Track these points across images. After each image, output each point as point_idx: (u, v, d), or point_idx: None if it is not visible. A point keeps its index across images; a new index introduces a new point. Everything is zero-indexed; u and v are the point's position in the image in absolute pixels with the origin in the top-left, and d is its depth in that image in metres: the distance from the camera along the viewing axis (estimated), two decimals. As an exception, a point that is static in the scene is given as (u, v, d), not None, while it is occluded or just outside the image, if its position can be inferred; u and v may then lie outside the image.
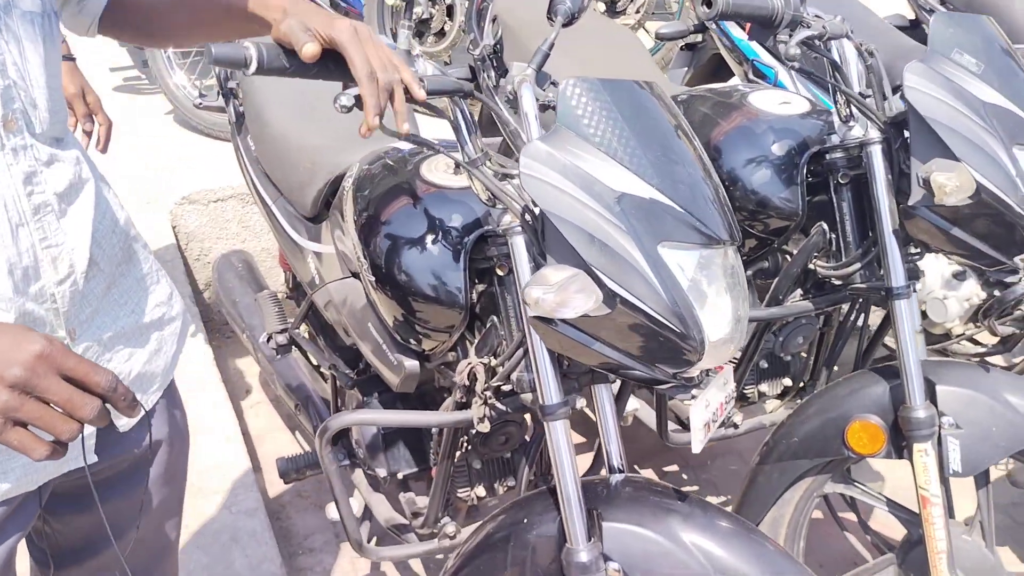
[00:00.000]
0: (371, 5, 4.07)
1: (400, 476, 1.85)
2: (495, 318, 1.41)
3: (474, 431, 1.62)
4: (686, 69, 3.22)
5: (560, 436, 1.27)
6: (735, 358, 1.85)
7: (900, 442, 1.61)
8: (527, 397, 1.35)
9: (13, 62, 0.88)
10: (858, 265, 1.64)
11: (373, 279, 1.48)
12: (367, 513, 1.90)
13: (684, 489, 1.36)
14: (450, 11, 4.09)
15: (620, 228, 1.12)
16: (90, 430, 0.99)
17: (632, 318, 1.15)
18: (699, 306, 1.15)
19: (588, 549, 1.26)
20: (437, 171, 1.51)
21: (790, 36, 1.50)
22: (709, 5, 1.46)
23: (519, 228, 1.24)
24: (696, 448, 1.32)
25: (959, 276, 2.25)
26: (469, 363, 1.41)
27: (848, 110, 1.58)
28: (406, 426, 1.55)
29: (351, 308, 1.75)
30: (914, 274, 1.60)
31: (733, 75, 2.95)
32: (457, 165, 1.25)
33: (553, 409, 1.26)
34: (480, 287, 1.45)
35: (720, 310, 1.18)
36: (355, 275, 1.77)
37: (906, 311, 1.56)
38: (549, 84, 1.30)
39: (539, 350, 1.25)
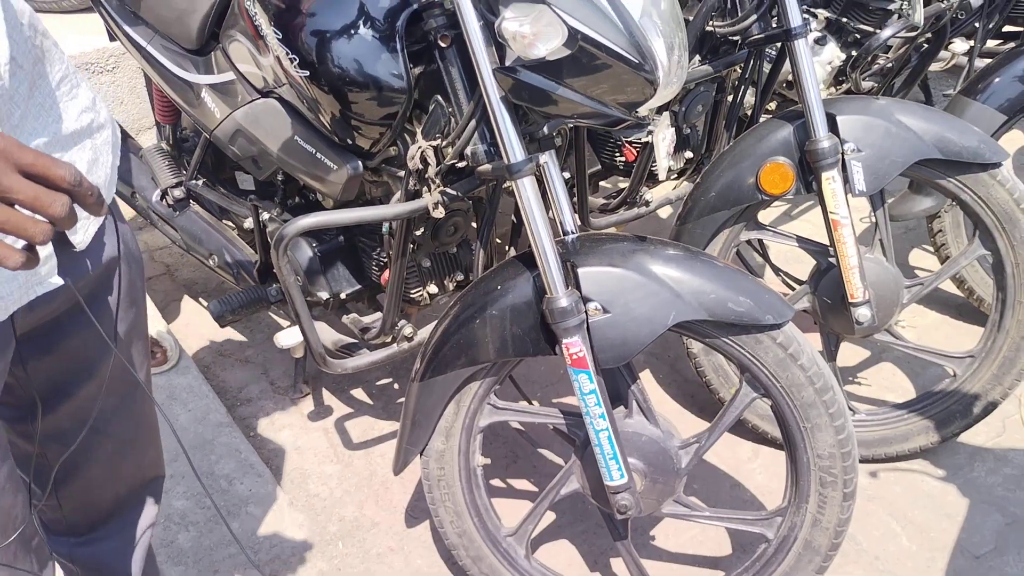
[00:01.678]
0: None
1: (343, 296, 1.87)
2: (439, 97, 1.42)
3: (421, 231, 1.66)
4: None
5: (529, 193, 1.32)
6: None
7: (808, 178, 1.77)
8: (485, 168, 1.38)
9: None
10: (755, 16, 1.75)
11: (306, 74, 1.44)
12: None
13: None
14: None
15: (573, -35, 1.15)
16: (48, 250, 0.94)
17: (593, 55, 1.19)
18: (651, 38, 1.22)
19: (568, 295, 1.34)
20: (351, -43, 1.46)
21: None
22: None
23: (463, -14, 1.23)
24: (663, 175, 1.41)
25: (820, 41, 2.40)
26: (419, 147, 1.43)
27: None
28: (362, 222, 1.55)
29: (269, 129, 1.70)
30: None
31: None
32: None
33: (520, 166, 1.30)
34: (416, 71, 1.45)
35: (668, 43, 1.24)
36: (265, 94, 1.71)
37: (805, 49, 1.68)
38: None
39: (499, 109, 1.27)
